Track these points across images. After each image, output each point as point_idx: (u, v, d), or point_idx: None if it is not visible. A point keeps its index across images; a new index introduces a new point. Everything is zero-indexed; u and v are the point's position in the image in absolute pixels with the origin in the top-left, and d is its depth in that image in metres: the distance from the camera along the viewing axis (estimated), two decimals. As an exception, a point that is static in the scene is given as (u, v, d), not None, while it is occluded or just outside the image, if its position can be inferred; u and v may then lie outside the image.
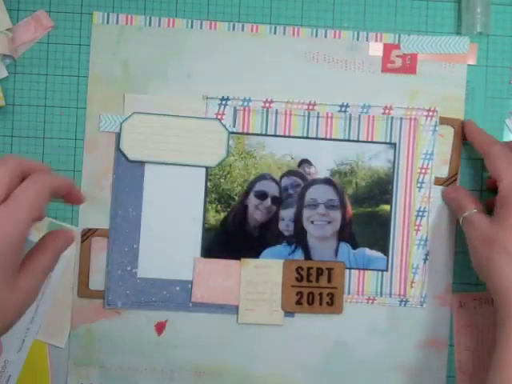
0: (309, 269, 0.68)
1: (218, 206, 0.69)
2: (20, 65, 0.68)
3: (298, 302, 0.68)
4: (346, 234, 0.69)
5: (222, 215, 0.69)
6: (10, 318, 0.56)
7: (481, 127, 0.69)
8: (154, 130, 0.68)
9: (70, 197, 0.59)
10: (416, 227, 0.69)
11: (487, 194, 0.69)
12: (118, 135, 0.68)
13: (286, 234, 0.69)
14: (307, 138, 0.69)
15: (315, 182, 0.69)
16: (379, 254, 0.69)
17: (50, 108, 0.68)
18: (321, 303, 0.68)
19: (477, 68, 0.70)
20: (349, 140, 0.69)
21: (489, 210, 0.65)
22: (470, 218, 0.65)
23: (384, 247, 0.69)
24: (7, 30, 0.67)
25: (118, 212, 0.68)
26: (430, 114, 0.69)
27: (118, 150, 0.68)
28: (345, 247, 0.69)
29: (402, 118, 0.69)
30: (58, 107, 0.68)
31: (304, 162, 0.69)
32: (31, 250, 0.59)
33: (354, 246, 0.69)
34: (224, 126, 0.68)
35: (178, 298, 0.68)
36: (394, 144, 0.69)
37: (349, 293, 0.69)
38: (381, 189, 0.69)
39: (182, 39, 0.69)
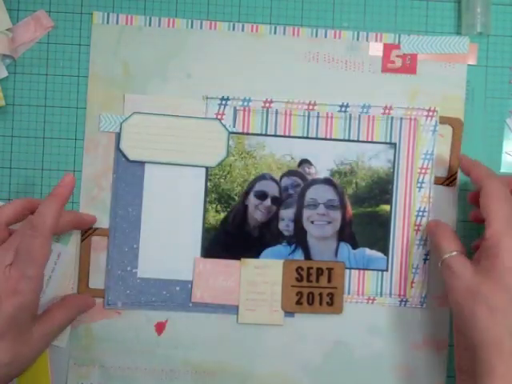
0: (309, 269, 0.68)
1: (218, 205, 0.69)
2: (20, 65, 0.68)
3: (298, 302, 0.68)
4: (346, 234, 0.69)
5: (222, 215, 0.69)
6: (18, 371, 0.59)
7: (481, 127, 0.69)
8: (153, 130, 0.68)
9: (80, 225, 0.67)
10: (416, 227, 0.69)
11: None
12: (118, 135, 0.68)
13: (286, 234, 0.69)
14: (307, 137, 0.69)
15: (315, 182, 0.69)
16: (379, 254, 0.69)
17: (50, 108, 0.68)
18: (321, 303, 0.68)
19: (477, 68, 0.70)
20: (349, 140, 0.69)
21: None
22: (449, 262, 0.60)
23: (384, 247, 0.69)
24: (7, 30, 0.67)
25: (117, 212, 0.68)
26: (430, 114, 0.69)
27: (118, 149, 0.68)
28: (345, 247, 0.69)
29: (402, 118, 0.69)
30: (58, 107, 0.68)
31: (304, 161, 0.69)
32: (52, 306, 0.64)
33: (354, 246, 0.69)
34: (224, 125, 0.68)
35: (178, 298, 0.68)
36: (394, 144, 0.69)
37: (349, 293, 0.69)
38: (381, 189, 0.69)
39: (182, 39, 0.69)
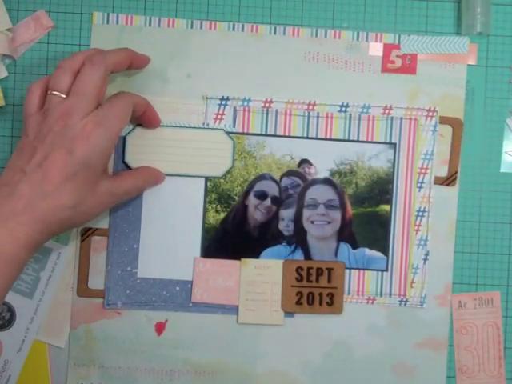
0: (309, 269, 0.68)
1: (218, 206, 0.69)
2: (20, 65, 0.68)
3: (298, 302, 0.68)
4: (346, 234, 0.69)
5: (222, 215, 0.69)
6: (82, 218, 0.60)
7: (481, 127, 0.69)
8: (158, 141, 0.68)
9: (147, 116, 0.66)
10: (416, 227, 0.69)
11: (486, 194, 0.69)
12: (122, 147, 0.68)
13: (286, 234, 0.69)
14: (307, 138, 0.69)
15: (315, 182, 0.69)
16: (379, 254, 0.69)
17: (50, 108, 0.68)
18: (321, 303, 0.68)
19: (477, 68, 0.70)
20: (349, 140, 0.69)
21: None
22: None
23: (384, 247, 0.69)
24: (7, 29, 0.67)
25: (117, 212, 0.68)
26: (430, 114, 0.69)
27: (123, 162, 0.68)
28: (345, 247, 0.69)
29: (401, 118, 0.69)
30: (58, 107, 0.68)
31: (304, 161, 0.69)
32: (124, 171, 0.67)
33: (354, 246, 0.69)
34: (229, 135, 0.68)
35: (178, 298, 0.69)
36: (394, 144, 0.69)
37: (349, 293, 0.69)
38: (381, 189, 0.69)
39: (182, 39, 0.69)
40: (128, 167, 0.68)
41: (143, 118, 0.66)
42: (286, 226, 0.69)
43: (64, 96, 0.59)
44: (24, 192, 0.56)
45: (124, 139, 0.68)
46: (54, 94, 0.59)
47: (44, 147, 0.57)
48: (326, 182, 0.69)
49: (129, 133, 0.68)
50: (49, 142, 0.57)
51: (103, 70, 0.59)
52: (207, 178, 0.68)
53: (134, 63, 0.65)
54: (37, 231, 0.56)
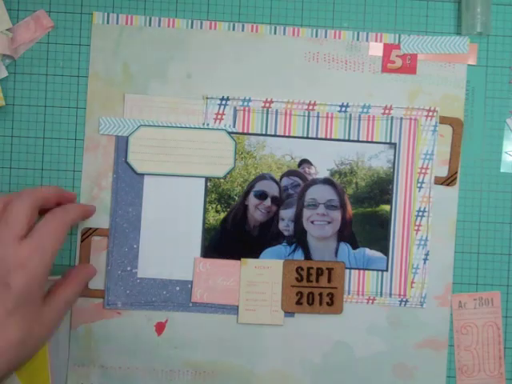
0: (309, 269, 0.68)
1: (218, 205, 0.69)
2: (20, 65, 0.68)
3: (298, 302, 0.68)
4: (346, 234, 0.69)
5: (222, 215, 0.69)
6: (31, 351, 0.57)
7: (481, 127, 0.69)
8: (160, 142, 0.68)
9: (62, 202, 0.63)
10: (416, 227, 0.69)
11: (486, 194, 0.69)
12: (125, 147, 0.68)
13: (286, 234, 0.69)
14: (307, 138, 0.69)
15: (315, 182, 0.69)
16: (379, 254, 0.69)
17: (50, 108, 0.68)
18: (321, 303, 0.68)
19: (477, 68, 0.70)
20: (349, 140, 0.69)
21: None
22: None
23: (384, 247, 0.69)
24: (7, 29, 0.67)
25: (117, 212, 0.68)
26: (430, 114, 0.69)
27: (126, 163, 0.68)
28: (345, 247, 0.69)
29: (402, 118, 0.69)
30: (58, 107, 0.68)
31: (304, 161, 0.69)
32: (55, 284, 0.62)
33: (354, 246, 0.69)
34: (231, 136, 0.68)
35: (178, 298, 0.69)
36: (394, 144, 0.69)
37: (349, 293, 0.69)
38: (381, 189, 0.69)
39: (182, 39, 0.69)
40: (131, 168, 0.68)
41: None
42: (286, 225, 0.69)
43: None
44: None
45: (127, 140, 0.68)
46: None
47: None
48: (326, 181, 0.69)
49: (132, 133, 0.68)
50: None
51: (32, 200, 0.58)
52: (207, 178, 0.68)
53: (62, 201, 0.63)
54: None
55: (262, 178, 0.69)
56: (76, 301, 0.66)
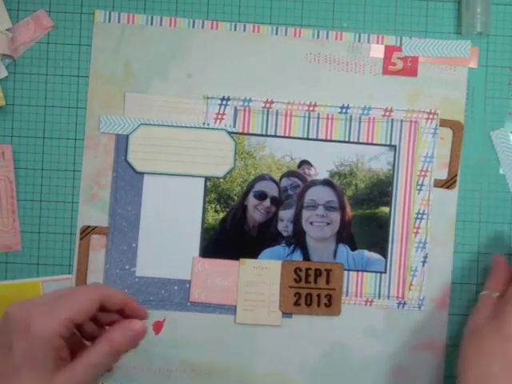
0: (307, 270, 0.69)
1: (218, 205, 0.69)
2: (20, 65, 0.69)
3: (296, 303, 0.69)
4: (345, 236, 0.69)
5: (221, 215, 0.69)
6: None
7: (481, 127, 0.69)
8: (161, 141, 0.68)
9: (126, 312, 0.58)
10: (415, 230, 0.69)
11: (486, 194, 0.69)
12: (125, 146, 0.68)
13: (285, 234, 0.69)
14: (307, 139, 0.69)
15: (315, 183, 0.69)
16: (378, 256, 0.69)
17: (50, 108, 0.68)
18: (319, 304, 0.69)
19: (477, 68, 0.69)
20: (349, 142, 0.69)
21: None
22: (480, 298, 0.64)
23: (383, 249, 0.69)
24: (7, 29, 0.67)
25: (117, 210, 0.68)
26: (431, 116, 0.68)
27: (126, 161, 0.68)
28: (343, 249, 0.69)
29: (402, 121, 0.69)
30: (58, 107, 0.69)
31: (304, 162, 0.69)
32: (84, 353, 0.54)
33: (353, 248, 0.69)
34: (231, 136, 0.68)
35: (176, 298, 0.69)
36: (394, 146, 0.69)
37: (347, 294, 0.69)
38: (380, 191, 0.69)
39: (184, 39, 0.68)
40: (131, 166, 0.68)
41: (121, 313, 0.58)
42: (285, 226, 0.69)
43: None
44: None
45: (127, 138, 0.68)
46: None
47: None
48: (326, 183, 0.69)
49: (132, 132, 0.68)
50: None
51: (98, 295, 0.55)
52: (207, 178, 0.68)
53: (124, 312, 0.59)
54: None
55: (261, 178, 0.69)
56: (112, 368, 0.60)
